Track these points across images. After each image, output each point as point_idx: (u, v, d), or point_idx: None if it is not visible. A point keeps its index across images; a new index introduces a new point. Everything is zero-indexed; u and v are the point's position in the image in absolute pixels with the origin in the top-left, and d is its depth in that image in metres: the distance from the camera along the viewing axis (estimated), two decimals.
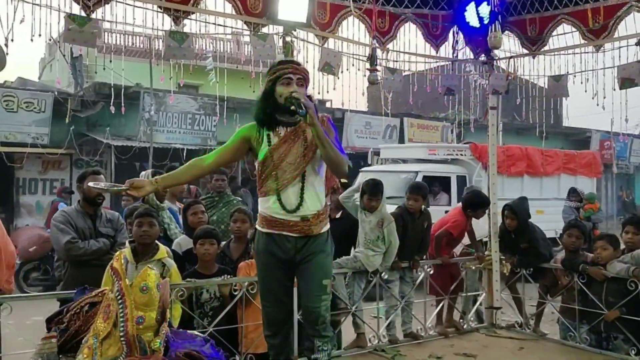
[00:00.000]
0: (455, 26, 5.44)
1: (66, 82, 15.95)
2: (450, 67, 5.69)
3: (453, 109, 14.17)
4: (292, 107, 2.96)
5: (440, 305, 5.39)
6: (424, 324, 5.21)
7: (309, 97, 3.05)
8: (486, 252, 5.60)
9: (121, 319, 1.97)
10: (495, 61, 5.68)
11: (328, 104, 17.01)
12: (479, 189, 7.10)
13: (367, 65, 4.82)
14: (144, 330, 1.92)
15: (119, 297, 1.99)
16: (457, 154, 11.02)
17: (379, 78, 4.86)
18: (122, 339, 1.94)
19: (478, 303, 5.65)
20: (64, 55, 12.32)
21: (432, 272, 5.23)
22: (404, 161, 12.03)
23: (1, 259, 3.89)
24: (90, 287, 2.47)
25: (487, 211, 5.57)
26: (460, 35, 5.52)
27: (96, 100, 13.26)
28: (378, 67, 4.85)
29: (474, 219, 5.63)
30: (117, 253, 2.78)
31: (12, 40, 3.69)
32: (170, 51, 4.15)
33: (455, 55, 5.58)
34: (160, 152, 13.22)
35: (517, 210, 5.29)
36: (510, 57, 5.68)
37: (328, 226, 3.22)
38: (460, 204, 5.99)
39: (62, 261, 4.33)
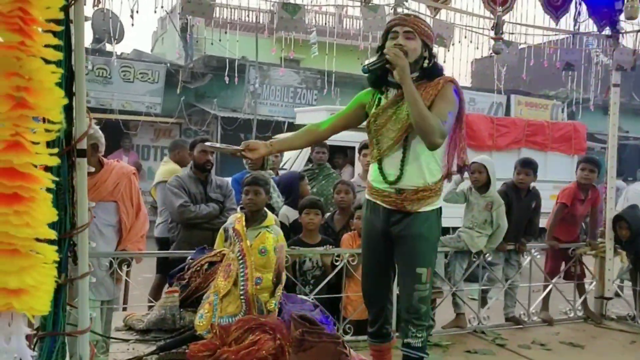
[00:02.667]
0: None
1: (176, 55, 16.66)
2: (571, 40, 5.34)
3: (566, 86, 13.24)
4: (378, 64, 2.67)
5: (547, 290, 5.18)
6: (527, 309, 5.03)
7: (405, 52, 2.67)
8: (599, 240, 5.29)
9: (241, 278, 2.05)
10: (621, 35, 5.26)
11: None
12: None
13: (492, 34, 4.58)
14: (261, 291, 2.00)
15: (239, 257, 2.07)
16: None
17: (503, 47, 4.62)
18: (241, 297, 2.02)
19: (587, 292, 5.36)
20: (176, 29, 12.88)
21: (538, 256, 5.00)
22: None
23: (137, 230, 4.01)
24: (209, 248, 2.59)
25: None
26: (583, 6, 5.15)
27: (205, 72, 13.80)
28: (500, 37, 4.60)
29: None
30: (239, 215, 2.87)
31: (137, 12, 3.91)
32: (283, 23, 4.20)
33: (576, 27, 5.22)
34: (263, 124, 13.57)
35: (631, 220, 4.99)
36: (639, 31, 5.24)
37: (436, 206, 2.86)
38: None
39: (175, 223, 4.60)
